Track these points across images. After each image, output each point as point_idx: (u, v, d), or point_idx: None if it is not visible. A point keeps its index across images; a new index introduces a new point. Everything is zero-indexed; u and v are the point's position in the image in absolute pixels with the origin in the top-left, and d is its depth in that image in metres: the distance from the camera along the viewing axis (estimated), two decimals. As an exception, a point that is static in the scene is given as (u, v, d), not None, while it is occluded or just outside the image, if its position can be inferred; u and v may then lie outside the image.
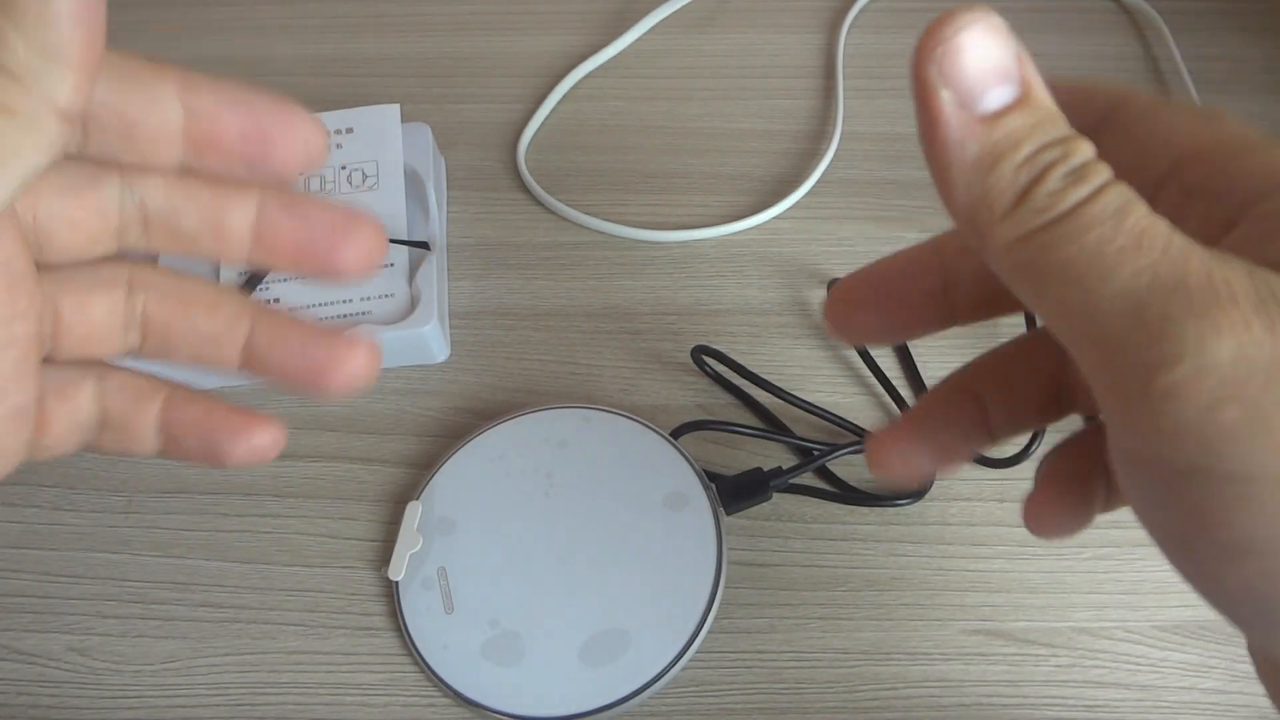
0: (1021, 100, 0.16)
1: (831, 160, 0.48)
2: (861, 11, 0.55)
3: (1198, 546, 0.16)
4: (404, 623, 0.36)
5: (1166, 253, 0.15)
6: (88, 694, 0.36)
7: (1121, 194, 0.16)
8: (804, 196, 0.47)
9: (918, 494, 0.38)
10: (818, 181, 0.48)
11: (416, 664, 0.36)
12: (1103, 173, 0.16)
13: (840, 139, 0.49)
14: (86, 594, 0.38)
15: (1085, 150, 0.16)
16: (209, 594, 0.38)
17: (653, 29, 0.55)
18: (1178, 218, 0.16)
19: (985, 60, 0.16)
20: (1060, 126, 0.16)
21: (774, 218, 0.47)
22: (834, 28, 0.55)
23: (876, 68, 0.53)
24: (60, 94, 0.16)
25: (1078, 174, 0.16)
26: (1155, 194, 0.18)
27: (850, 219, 0.47)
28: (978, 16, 0.16)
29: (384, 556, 0.38)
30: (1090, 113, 0.19)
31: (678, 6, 0.55)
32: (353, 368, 0.21)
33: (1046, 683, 0.35)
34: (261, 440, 0.22)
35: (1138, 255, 0.15)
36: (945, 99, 0.16)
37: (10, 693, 0.36)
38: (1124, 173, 0.16)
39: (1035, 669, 0.35)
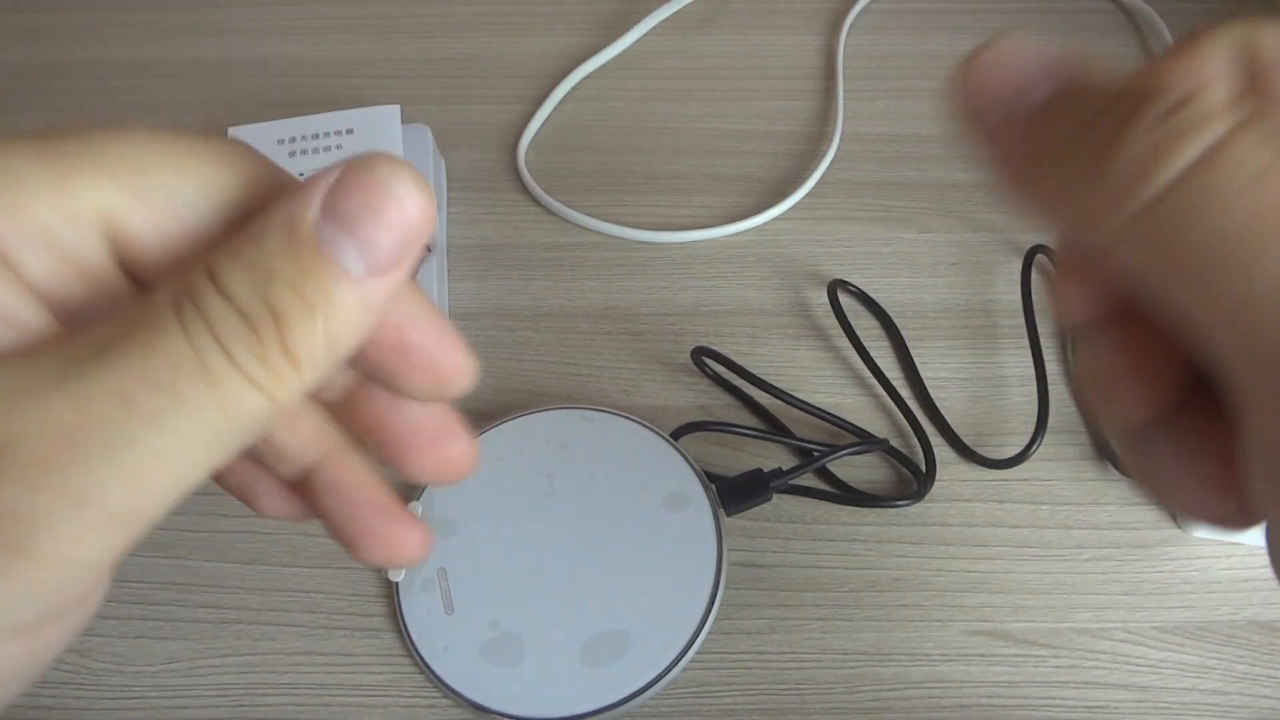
0: (1064, 86, 0.14)
1: (831, 161, 0.48)
2: (861, 12, 0.55)
3: None
4: (404, 623, 0.36)
5: None
6: (88, 694, 0.36)
7: (1263, 138, 0.11)
8: (804, 197, 0.47)
9: (918, 494, 0.38)
10: (818, 182, 0.48)
11: (416, 665, 0.36)
12: (1217, 118, 0.11)
13: (840, 140, 0.49)
14: (86, 594, 0.38)
15: (1174, 88, 0.12)
16: (209, 594, 0.38)
17: (653, 30, 0.55)
18: None
19: (1015, 69, 0.15)
20: (1113, 84, 0.13)
21: (774, 219, 0.47)
22: (834, 28, 0.55)
23: (876, 68, 0.53)
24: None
25: (1171, 124, 0.12)
26: None
27: (850, 220, 0.47)
28: (990, 43, 0.15)
29: (384, 557, 0.38)
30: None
31: (678, 7, 0.55)
32: (396, 555, 0.19)
33: (1046, 683, 0.35)
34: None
35: (1267, 237, 0.11)
36: (986, 122, 0.15)
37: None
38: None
39: (1035, 670, 0.35)
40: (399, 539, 0.18)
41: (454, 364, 0.18)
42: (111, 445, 0.13)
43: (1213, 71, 0.12)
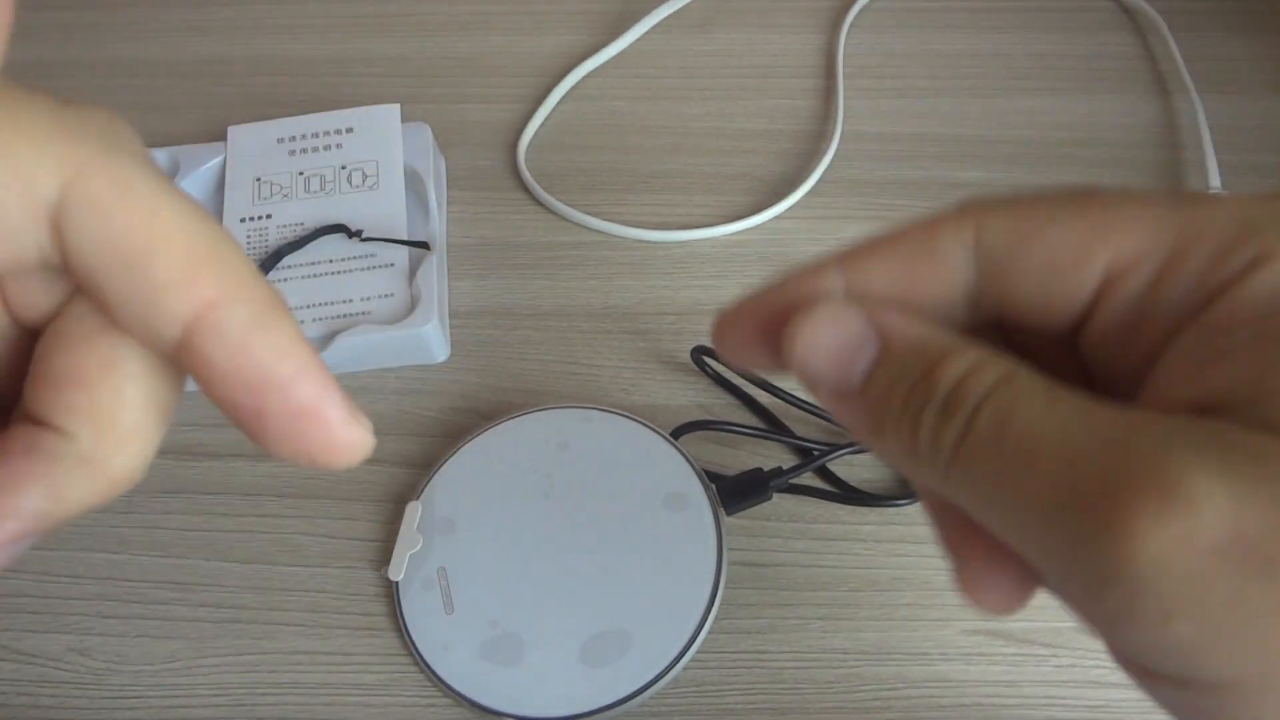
0: (881, 354, 0.16)
1: (832, 160, 0.48)
2: (861, 11, 0.55)
3: None
4: (404, 623, 0.36)
5: (1059, 458, 0.14)
6: (88, 694, 0.36)
7: (997, 408, 0.15)
8: (804, 196, 0.47)
9: (917, 494, 0.38)
10: (818, 181, 0.48)
11: (416, 664, 0.36)
12: (973, 392, 0.15)
13: (840, 139, 0.49)
14: (87, 594, 0.38)
15: (949, 375, 0.15)
16: (209, 594, 0.38)
17: (653, 29, 0.55)
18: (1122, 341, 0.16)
19: (834, 342, 0.16)
20: (920, 360, 0.16)
21: (774, 218, 0.47)
22: (834, 28, 0.55)
23: (876, 68, 0.53)
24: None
25: (946, 408, 0.15)
26: (1093, 317, 0.17)
27: (851, 219, 0.47)
28: (806, 314, 0.17)
29: (384, 556, 0.38)
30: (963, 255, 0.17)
31: (678, 6, 0.55)
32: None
33: (1047, 683, 0.35)
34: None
35: (1031, 475, 0.14)
36: (824, 394, 0.17)
37: (10, 693, 0.36)
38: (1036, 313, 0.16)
39: (1035, 669, 0.35)
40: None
41: (326, 437, 0.15)
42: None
43: (960, 372, 0.16)
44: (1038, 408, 0.15)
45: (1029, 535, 0.14)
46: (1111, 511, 0.13)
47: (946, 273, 0.17)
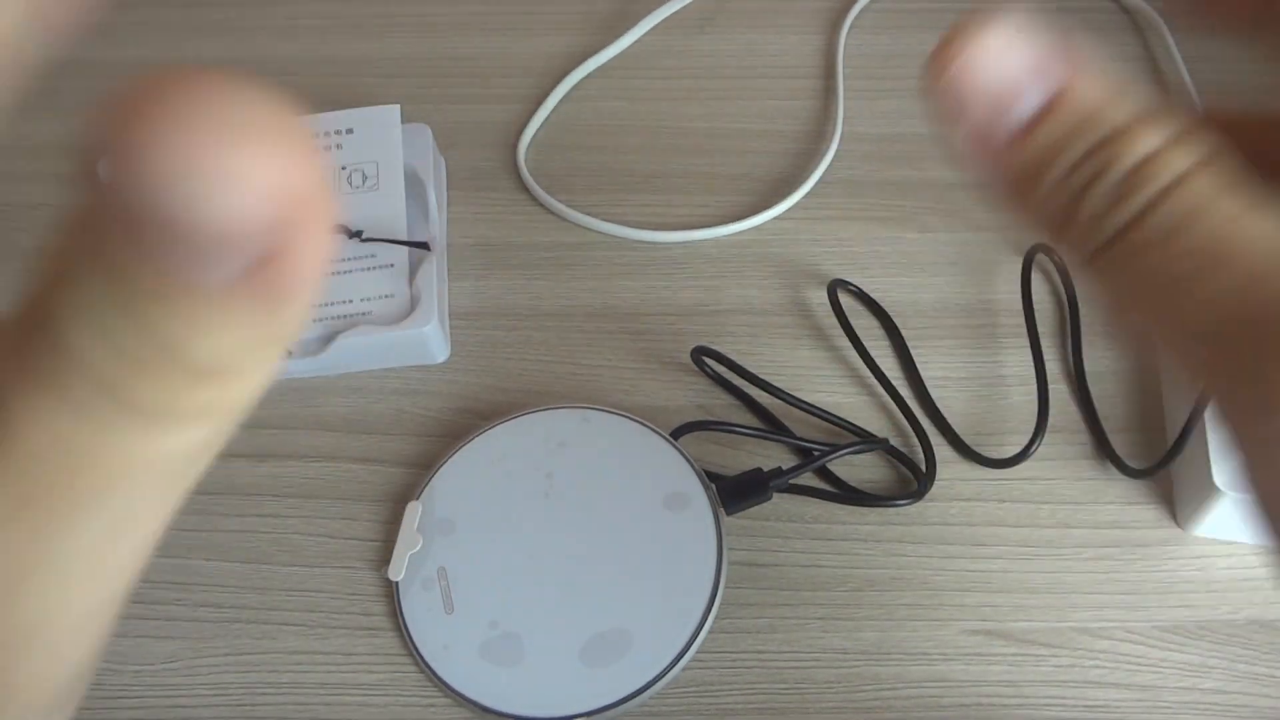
0: (1054, 103, 0.14)
1: (832, 160, 0.48)
2: (861, 11, 0.55)
3: None
4: (404, 623, 0.36)
5: (1249, 268, 0.12)
6: (88, 694, 0.36)
7: (1190, 195, 0.13)
8: (804, 197, 0.47)
9: (917, 494, 0.38)
10: (818, 182, 0.48)
11: (416, 664, 0.36)
12: (1165, 171, 0.13)
13: (840, 139, 0.49)
14: (86, 594, 0.38)
15: (1135, 151, 0.13)
16: (209, 594, 0.38)
17: (653, 29, 0.55)
18: None
19: (1000, 72, 0.14)
20: (1100, 124, 0.13)
21: (774, 218, 0.47)
22: (834, 28, 0.55)
23: (876, 68, 0.53)
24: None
25: (1129, 182, 0.13)
26: None
27: (851, 219, 0.47)
28: (979, 25, 0.14)
29: (384, 556, 0.38)
30: None
31: (678, 7, 0.55)
32: None
33: (1046, 683, 0.35)
34: None
35: (1213, 277, 0.12)
36: (964, 133, 0.14)
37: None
38: None
39: (1035, 669, 0.35)
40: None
41: None
42: (40, 566, 0.11)
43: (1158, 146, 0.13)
44: (1238, 208, 0.13)
45: (1185, 348, 0.13)
46: None
47: None
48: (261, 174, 0.09)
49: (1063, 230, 0.14)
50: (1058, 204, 0.14)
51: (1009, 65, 0.14)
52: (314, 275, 0.10)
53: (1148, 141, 0.13)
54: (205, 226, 0.09)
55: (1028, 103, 0.14)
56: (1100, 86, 0.14)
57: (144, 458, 0.10)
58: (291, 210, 0.09)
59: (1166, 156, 0.13)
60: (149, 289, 0.09)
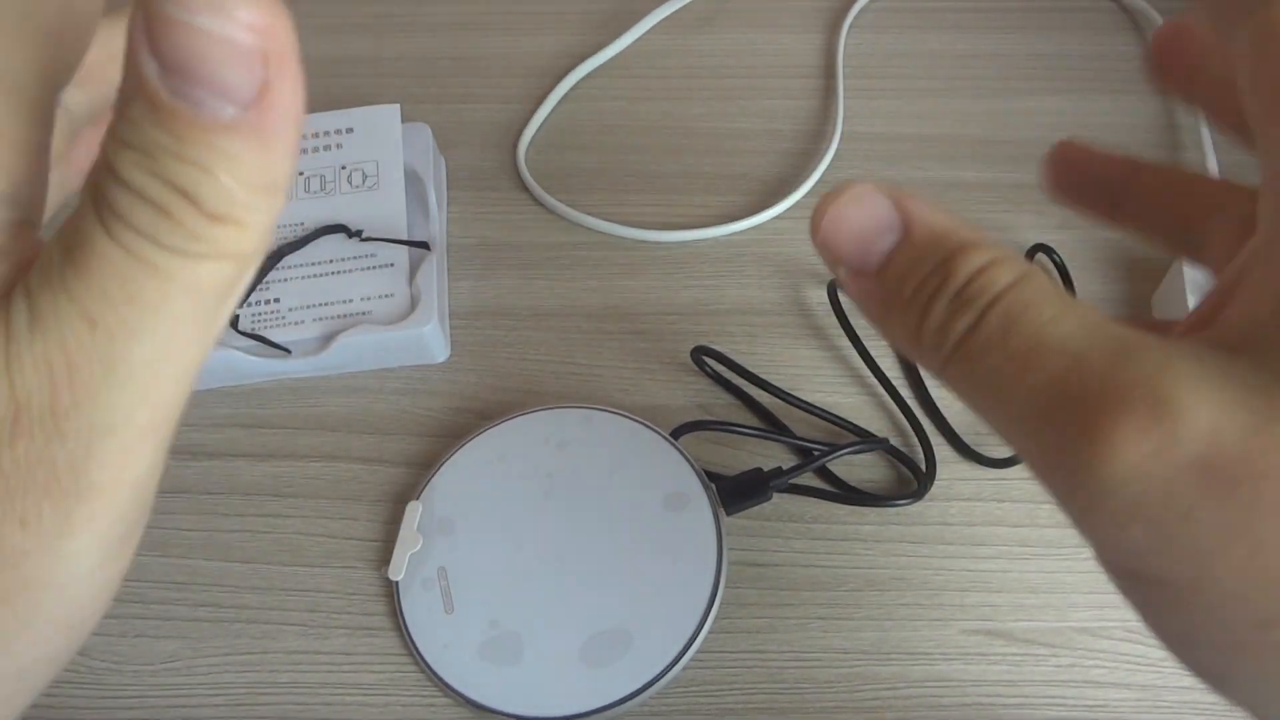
0: (902, 240, 0.17)
1: (831, 160, 0.48)
2: (861, 11, 0.55)
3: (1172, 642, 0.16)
4: (404, 623, 0.36)
5: (1059, 364, 0.15)
6: (87, 694, 0.36)
7: (1009, 308, 0.15)
8: (804, 196, 0.47)
9: (918, 493, 0.38)
10: (818, 181, 0.48)
11: (416, 664, 0.36)
12: (988, 289, 0.16)
13: (840, 139, 0.49)
14: (86, 594, 0.38)
15: (966, 268, 0.16)
16: (209, 594, 0.38)
17: (653, 29, 0.55)
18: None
19: (858, 223, 0.17)
20: (939, 250, 0.16)
21: (774, 218, 0.47)
22: (834, 28, 0.55)
23: (876, 68, 0.53)
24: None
25: (959, 299, 0.16)
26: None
27: (850, 219, 0.47)
28: (839, 192, 0.17)
29: (384, 556, 0.38)
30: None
31: (678, 6, 0.55)
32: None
33: (1047, 683, 0.35)
34: None
35: (1026, 375, 0.15)
36: (842, 273, 0.17)
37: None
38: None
39: (1035, 669, 0.35)
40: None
41: None
42: (109, 372, 0.14)
43: (976, 266, 0.16)
44: (1049, 313, 0.15)
45: (1020, 430, 0.15)
46: (1099, 417, 0.14)
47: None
48: (243, 9, 0.12)
49: (917, 345, 0.16)
50: (911, 322, 0.16)
51: (865, 217, 0.17)
52: (294, 116, 0.13)
53: (974, 261, 0.16)
54: (209, 46, 0.12)
55: (883, 243, 0.17)
56: (936, 223, 0.17)
57: (177, 289, 0.14)
58: (269, 42, 0.13)
59: (991, 273, 0.16)
60: (173, 126, 0.13)
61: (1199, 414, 0.14)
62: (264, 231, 0.14)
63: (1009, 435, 0.16)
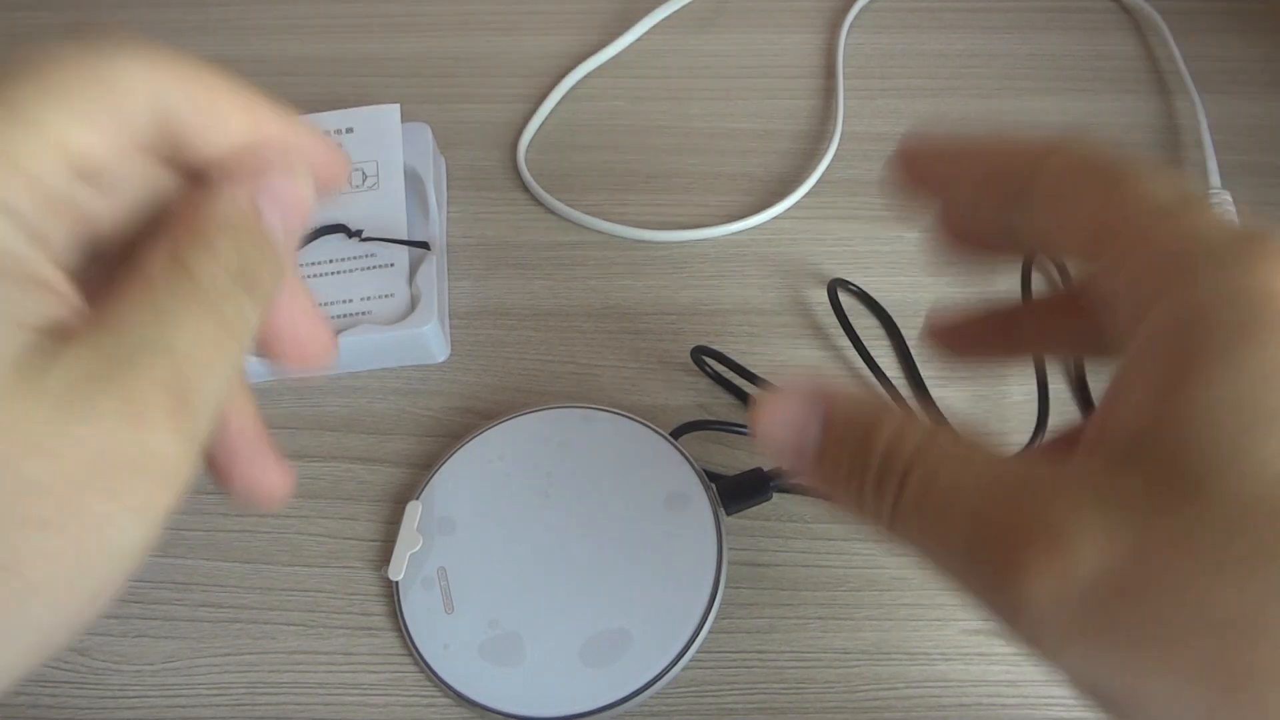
0: (825, 432, 0.19)
1: (831, 160, 0.48)
2: (861, 11, 0.55)
3: None
4: (404, 623, 0.36)
5: (970, 511, 0.16)
6: (88, 694, 0.36)
7: (922, 475, 0.17)
8: (804, 196, 0.47)
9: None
10: (818, 181, 0.48)
11: (416, 664, 0.36)
12: (901, 458, 0.17)
13: (840, 139, 0.49)
14: (86, 594, 0.38)
15: (880, 441, 0.18)
16: (209, 594, 0.38)
17: (653, 29, 0.55)
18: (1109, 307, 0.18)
19: (785, 427, 0.19)
20: (855, 430, 0.18)
21: (774, 218, 0.47)
22: (834, 28, 0.55)
23: (876, 68, 0.53)
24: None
25: (881, 475, 0.18)
26: (1089, 268, 0.19)
27: (850, 219, 0.47)
28: (764, 403, 0.19)
29: (384, 556, 0.38)
30: (1013, 176, 0.20)
31: (678, 6, 0.55)
32: (264, 495, 0.22)
33: (1047, 683, 0.35)
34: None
35: (950, 527, 0.16)
36: (788, 462, 0.19)
37: (10, 692, 0.36)
38: (1053, 244, 0.19)
39: (1036, 669, 0.35)
40: (269, 479, 0.22)
41: (315, 340, 0.22)
42: (205, 390, 0.17)
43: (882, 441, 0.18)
44: (955, 467, 0.17)
45: (959, 577, 0.17)
46: (1009, 555, 0.15)
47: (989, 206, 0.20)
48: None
49: (862, 517, 0.18)
50: (852, 500, 0.18)
51: (790, 421, 0.19)
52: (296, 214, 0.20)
53: (884, 435, 0.18)
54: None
55: (810, 437, 0.19)
56: (850, 408, 0.19)
57: (239, 337, 0.18)
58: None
59: (899, 439, 0.18)
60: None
61: (1087, 539, 0.15)
62: (273, 286, 0.20)
63: (955, 580, 0.17)
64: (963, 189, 0.21)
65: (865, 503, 0.18)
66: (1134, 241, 0.17)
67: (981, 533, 0.16)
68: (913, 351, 0.42)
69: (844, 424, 0.19)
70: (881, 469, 0.18)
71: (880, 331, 0.43)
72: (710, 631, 0.35)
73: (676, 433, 0.39)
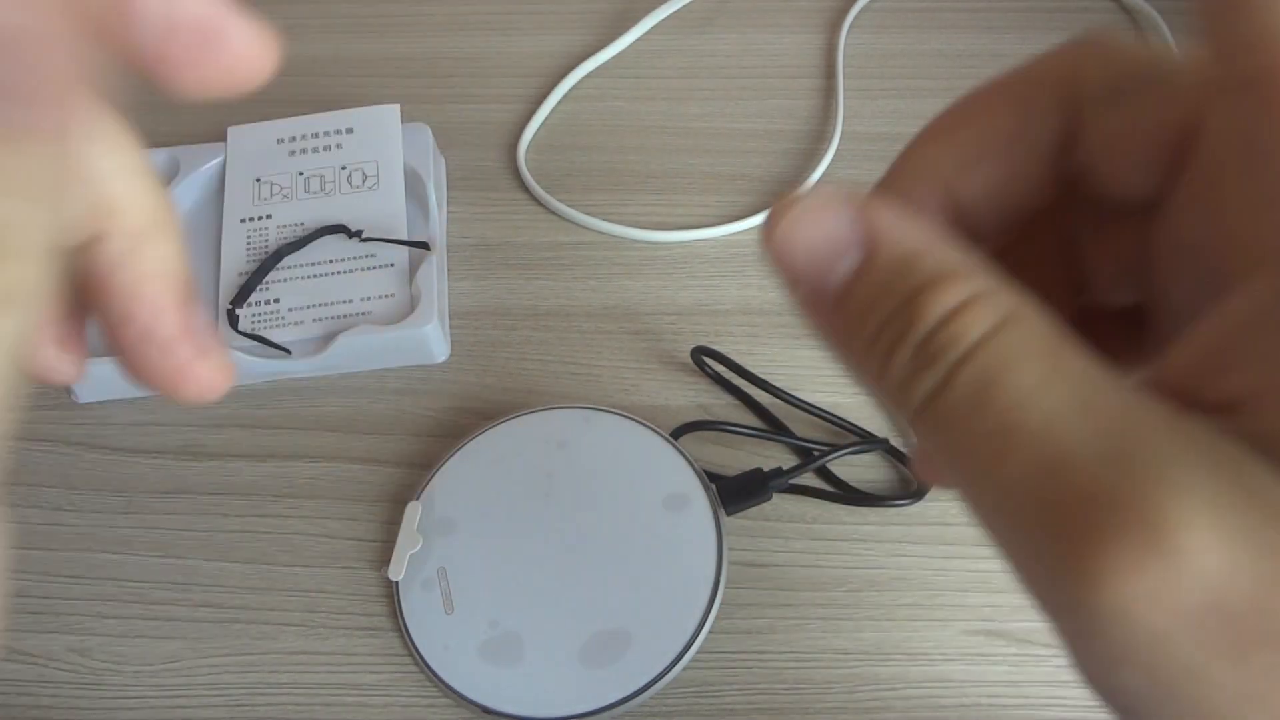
0: (865, 262, 0.14)
1: (832, 160, 0.48)
2: (861, 11, 0.55)
3: None
4: (404, 623, 0.36)
5: (1040, 456, 0.12)
6: (88, 694, 0.36)
7: (982, 371, 0.13)
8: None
9: (918, 494, 0.38)
10: (818, 181, 0.48)
11: (417, 664, 0.36)
12: (959, 341, 0.13)
13: (840, 139, 0.49)
14: (87, 594, 0.38)
15: (934, 310, 0.13)
16: (209, 594, 0.38)
17: (653, 29, 0.55)
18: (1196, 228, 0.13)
19: (814, 240, 0.14)
20: (906, 280, 0.14)
21: (774, 218, 0.47)
22: (834, 28, 0.55)
23: (876, 68, 0.53)
24: None
25: (924, 352, 0.13)
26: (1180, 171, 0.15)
27: (850, 219, 0.47)
28: (792, 201, 0.14)
29: (384, 556, 0.38)
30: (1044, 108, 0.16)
31: (678, 6, 0.55)
32: (199, 385, 0.18)
33: (1047, 683, 0.35)
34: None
35: (1002, 462, 0.12)
36: (799, 295, 0.15)
37: (11, 693, 0.36)
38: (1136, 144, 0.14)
39: (1036, 669, 0.35)
40: (195, 373, 0.18)
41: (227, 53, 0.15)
42: None
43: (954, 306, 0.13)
44: (1031, 378, 0.12)
45: (995, 524, 0.13)
46: (1088, 541, 0.12)
47: (1033, 130, 0.16)
48: None
49: (880, 391, 0.14)
50: (873, 367, 0.14)
51: (822, 234, 0.14)
52: (56, 107, 0.12)
53: (945, 301, 0.13)
54: None
55: (842, 266, 0.14)
56: (906, 243, 0.14)
57: None
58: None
59: (964, 319, 0.13)
60: None
61: (1208, 549, 0.11)
62: (39, 268, 0.12)
63: (984, 522, 0.13)
64: (973, 151, 0.16)
65: (889, 376, 0.14)
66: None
67: (1050, 491, 0.12)
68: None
69: (891, 265, 0.14)
70: (926, 344, 0.13)
71: (880, 331, 0.43)
72: (710, 631, 0.35)
73: (676, 433, 0.39)
